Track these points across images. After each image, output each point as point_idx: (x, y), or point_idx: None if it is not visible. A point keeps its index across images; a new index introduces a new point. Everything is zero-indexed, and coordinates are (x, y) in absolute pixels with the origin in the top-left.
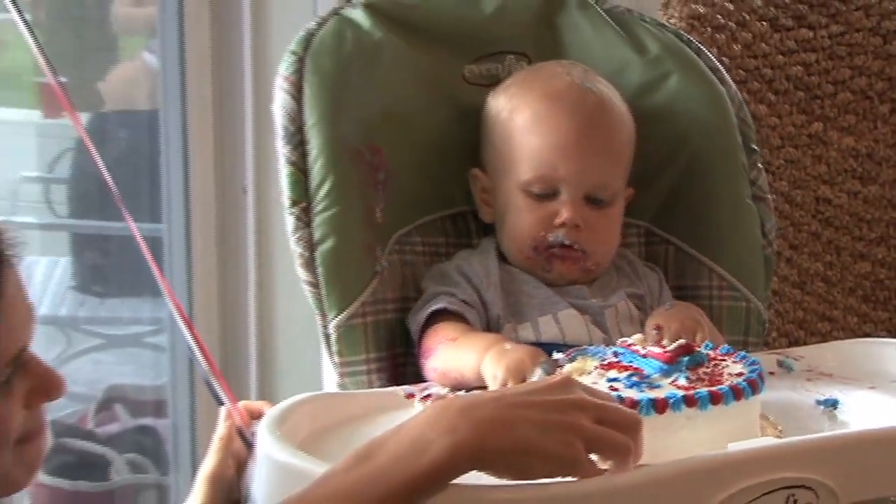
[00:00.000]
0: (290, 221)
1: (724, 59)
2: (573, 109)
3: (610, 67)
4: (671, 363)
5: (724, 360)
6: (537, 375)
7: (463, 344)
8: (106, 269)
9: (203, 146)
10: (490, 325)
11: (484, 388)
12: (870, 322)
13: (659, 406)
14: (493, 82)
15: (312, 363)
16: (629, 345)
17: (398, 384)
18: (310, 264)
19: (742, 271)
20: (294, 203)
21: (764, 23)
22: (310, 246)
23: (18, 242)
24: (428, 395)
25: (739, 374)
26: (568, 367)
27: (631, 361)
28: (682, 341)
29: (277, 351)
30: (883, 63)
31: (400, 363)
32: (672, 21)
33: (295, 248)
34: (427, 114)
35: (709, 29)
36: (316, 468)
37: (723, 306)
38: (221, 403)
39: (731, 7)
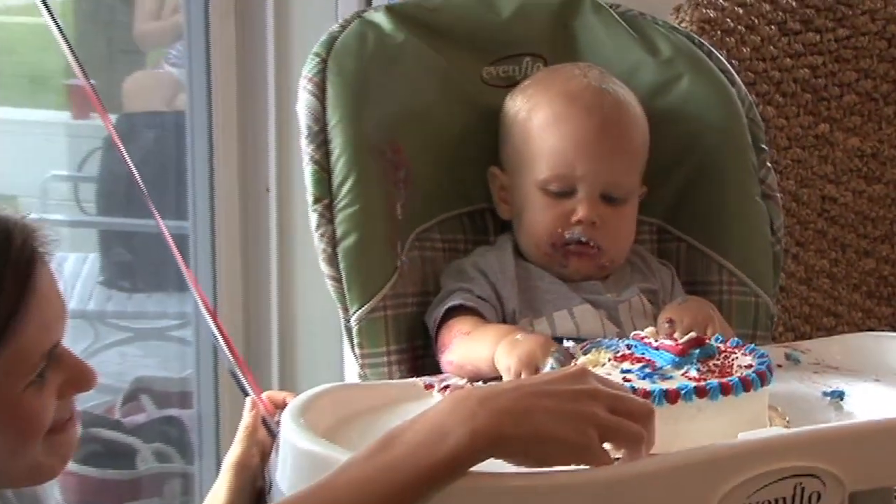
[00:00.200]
0: (313, 218)
1: (733, 61)
2: (590, 110)
3: (623, 68)
4: (683, 355)
5: (734, 352)
6: (549, 365)
7: (476, 337)
8: (133, 265)
9: (228, 147)
10: (506, 320)
11: (499, 378)
12: (874, 317)
13: (671, 396)
14: (511, 83)
15: (332, 355)
16: (642, 337)
17: (417, 376)
18: (332, 259)
19: (751, 267)
20: (317, 200)
21: (772, 26)
22: (332, 242)
23: (51, 240)
24: (446, 387)
25: (749, 366)
26: (582, 360)
27: (644, 353)
28: (693, 334)
29: (298, 344)
30: (888, 66)
31: (419, 355)
32: (683, 25)
33: (318, 244)
34: (446, 114)
35: (718, 32)
36: (338, 456)
37: (732, 301)
38: (246, 394)
39: (740, 11)
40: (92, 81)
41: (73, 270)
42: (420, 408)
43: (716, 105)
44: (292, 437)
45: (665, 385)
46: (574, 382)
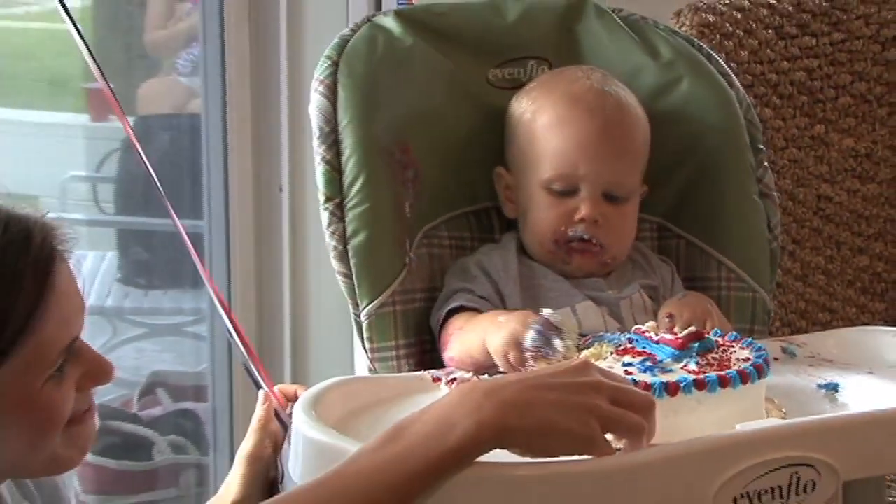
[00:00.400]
0: (324, 216)
1: (731, 64)
2: (593, 111)
3: (625, 71)
4: (682, 349)
5: (732, 346)
6: (531, 338)
7: (468, 329)
8: (149, 263)
9: (242, 148)
10: None
11: (497, 366)
12: (868, 313)
13: (671, 389)
14: (517, 85)
15: (343, 350)
16: (643, 332)
17: (425, 369)
18: (343, 256)
19: (749, 264)
20: (328, 199)
21: (769, 31)
22: (343, 239)
23: (70, 238)
24: (453, 379)
25: (746, 360)
26: (585, 353)
27: (644, 347)
28: (692, 329)
29: (310, 338)
30: (882, 69)
31: (427, 349)
32: (683, 29)
33: (329, 242)
34: (454, 115)
35: (717, 36)
36: (348, 447)
37: (731, 297)
38: (259, 387)
39: (738, 16)
40: (111, 85)
41: (92, 268)
42: (428, 400)
43: (715, 107)
44: (304, 429)
45: (665, 378)
46: (577, 375)
